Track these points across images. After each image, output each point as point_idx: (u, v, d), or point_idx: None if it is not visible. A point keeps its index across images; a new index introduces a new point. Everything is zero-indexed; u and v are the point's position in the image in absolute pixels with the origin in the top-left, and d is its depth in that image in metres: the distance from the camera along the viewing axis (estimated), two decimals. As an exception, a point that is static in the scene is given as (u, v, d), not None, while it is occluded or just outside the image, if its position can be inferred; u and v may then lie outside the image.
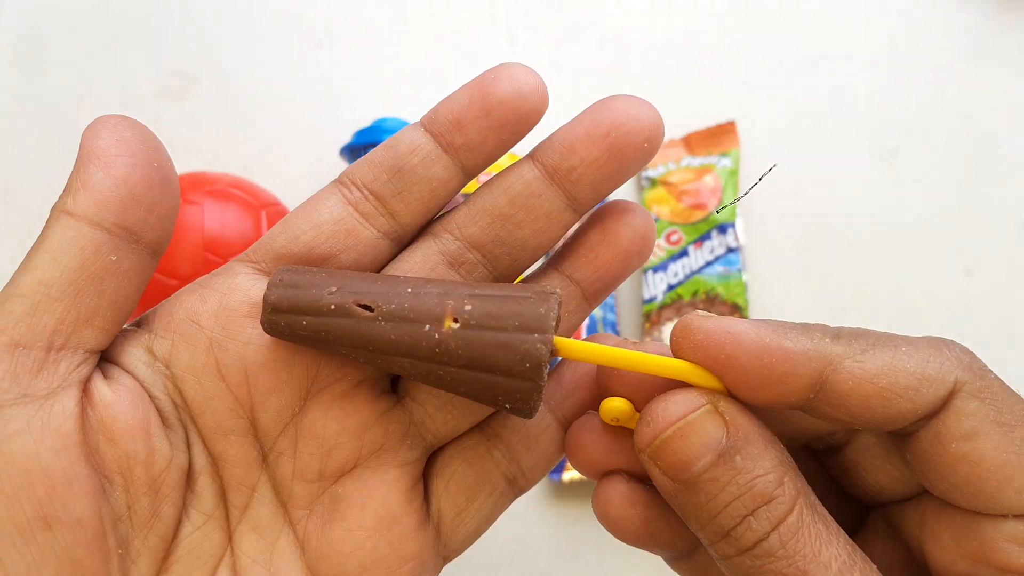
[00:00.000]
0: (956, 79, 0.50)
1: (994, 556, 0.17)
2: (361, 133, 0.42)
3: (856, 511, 0.21)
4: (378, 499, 0.20)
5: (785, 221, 0.46)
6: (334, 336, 0.18)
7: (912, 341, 0.18)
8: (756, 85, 0.49)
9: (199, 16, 0.50)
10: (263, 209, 0.37)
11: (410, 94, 0.48)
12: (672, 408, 0.18)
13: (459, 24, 0.50)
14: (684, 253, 0.42)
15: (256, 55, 0.49)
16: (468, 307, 0.18)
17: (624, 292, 0.44)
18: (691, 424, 0.18)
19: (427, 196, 0.20)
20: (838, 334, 0.18)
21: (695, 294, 0.40)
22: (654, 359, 0.18)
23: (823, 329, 0.18)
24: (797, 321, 0.18)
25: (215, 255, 0.34)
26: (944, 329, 0.46)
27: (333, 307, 0.18)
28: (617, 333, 0.41)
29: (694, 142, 0.46)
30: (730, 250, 0.41)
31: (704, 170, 0.44)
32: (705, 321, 0.18)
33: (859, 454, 0.20)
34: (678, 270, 0.41)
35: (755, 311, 0.44)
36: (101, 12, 0.50)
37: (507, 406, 0.18)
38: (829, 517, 0.18)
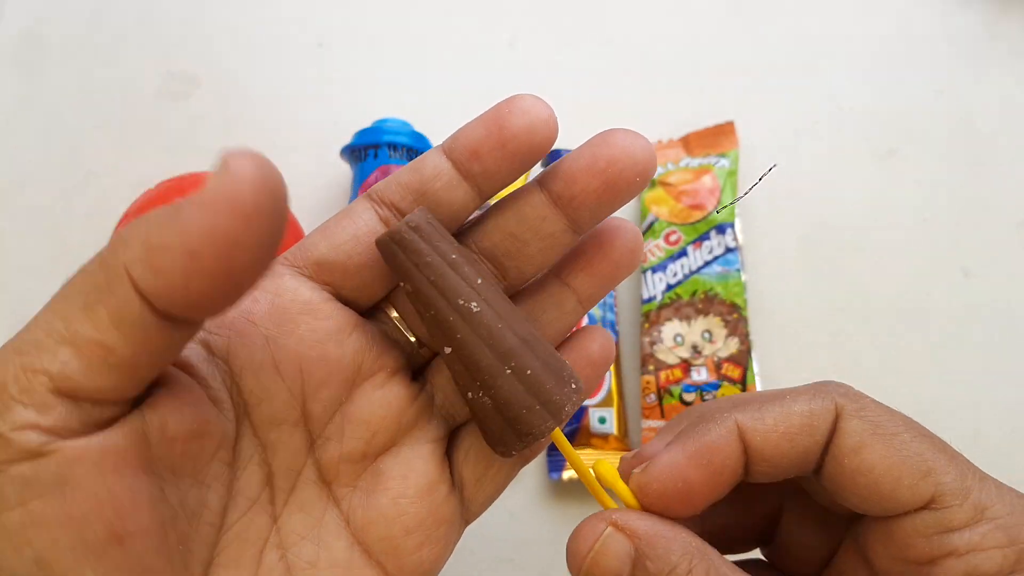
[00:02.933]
0: (954, 80, 0.50)
1: (910, 553, 0.20)
2: (361, 133, 0.42)
3: (837, 529, 0.24)
4: (417, 471, 0.22)
5: (783, 221, 0.46)
6: (438, 282, 0.21)
7: (796, 390, 0.21)
8: (754, 86, 0.50)
9: (200, 17, 0.50)
10: (264, 209, 0.37)
11: (410, 95, 0.49)
12: (582, 540, 0.21)
13: (460, 25, 0.51)
14: (683, 253, 0.42)
15: (257, 56, 0.49)
16: (528, 371, 0.21)
17: (623, 292, 0.44)
18: (600, 550, 0.21)
19: (448, 217, 0.22)
20: (734, 404, 0.21)
21: (694, 294, 0.41)
22: (598, 489, 0.23)
23: (719, 411, 0.21)
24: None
25: (216, 255, 0.34)
26: (942, 330, 0.46)
27: (454, 257, 0.21)
28: (616, 333, 0.42)
29: (692, 143, 0.47)
30: (729, 250, 0.41)
31: (703, 171, 0.44)
32: (637, 477, 0.21)
33: (808, 483, 0.23)
34: (677, 270, 0.41)
35: (753, 310, 0.44)
36: (102, 13, 0.50)
37: (488, 435, 0.22)
38: (738, 571, 0.20)
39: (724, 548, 0.21)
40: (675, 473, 0.21)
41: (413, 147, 0.41)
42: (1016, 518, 0.20)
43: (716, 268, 0.41)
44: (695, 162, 0.45)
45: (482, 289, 0.21)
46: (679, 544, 0.20)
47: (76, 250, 0.45)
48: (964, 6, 0.52)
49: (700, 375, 0.39)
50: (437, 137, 0.47)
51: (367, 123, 0.45)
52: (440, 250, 0.21)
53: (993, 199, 0.47)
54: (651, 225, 0.43)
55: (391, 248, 0.21)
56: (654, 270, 0.42)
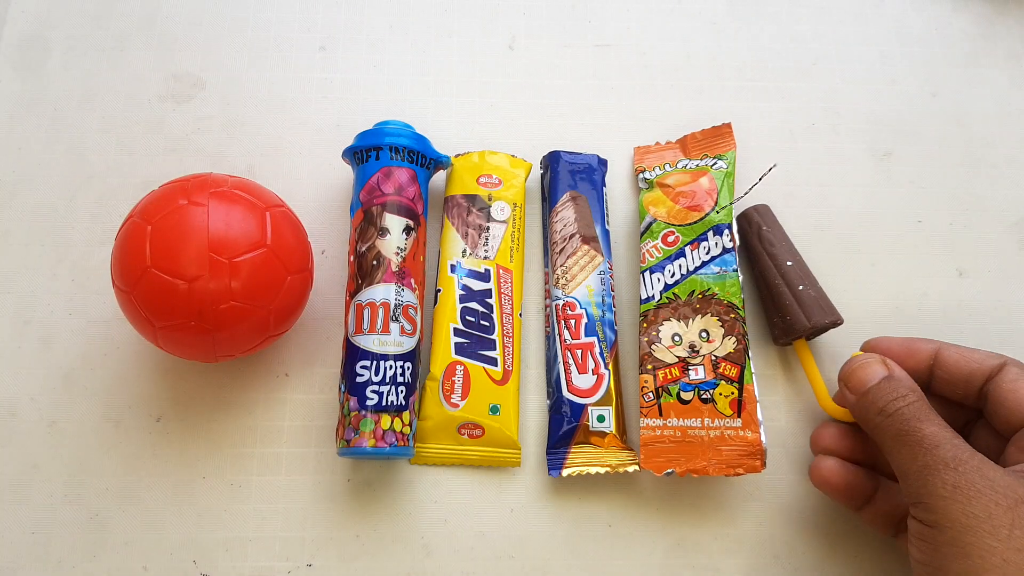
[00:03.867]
0: (949, 82, 0.51)
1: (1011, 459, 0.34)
2: (363, 135, 0.42)
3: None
4: None
5: (781, 222, 0.47)
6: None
7: (982, 351, 0.37)
8: (752, 88, 0.50)
9: (204, 20, 0.50)
10: (268, 210, 0.37)
11: (412, 97, 0.49)
12: (856, 361, 0.37)
13: (460, 28, 0.51)
14: (681, 254, 0.42)
15: (260, 59, 0.49)
16: (800, 287, 0.41)
17: (622, 292, 0.45)
18: (863, 365, 0.36)
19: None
20: (943, 344, 0.38)
21: (691, 294, 0.41)
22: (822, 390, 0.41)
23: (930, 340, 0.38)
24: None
25: (220, 256, 0.35)
26: (936, 329, 0.47)
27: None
28: (615, 332, 0.42)
29: (690, 144, 0.47)
30: (726, 250, 0.41)
31: (700, 172, 0.44)
32: (868, 342, 0.40)
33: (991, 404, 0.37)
34: (675, 270, 0.42)
35: (750, 309, 0.44)
36: (106, 15, 0.50)
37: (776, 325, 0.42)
38: (939, 418, 0.33)
39: None
40: (892, 347, 0.38)
41: (414, 149, 0.42)
42: None
43: (713, 268, 0.41)
44: (692, 164, 0.45)
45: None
46: (911, 383, 0.35)
47: (79, 251, 0.46)
48: (959, 9, 0.53)
49: (698, 374, 0.39)
50: (438, 139, 0.48)
51: (369, 125, 0.46)
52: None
53: (988, 200, 0.48)
54: (649, 226, 0.43)
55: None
56: (652, 270, 0.42)
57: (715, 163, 0.44)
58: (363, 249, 0.40)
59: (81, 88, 0.48)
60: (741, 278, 0.41)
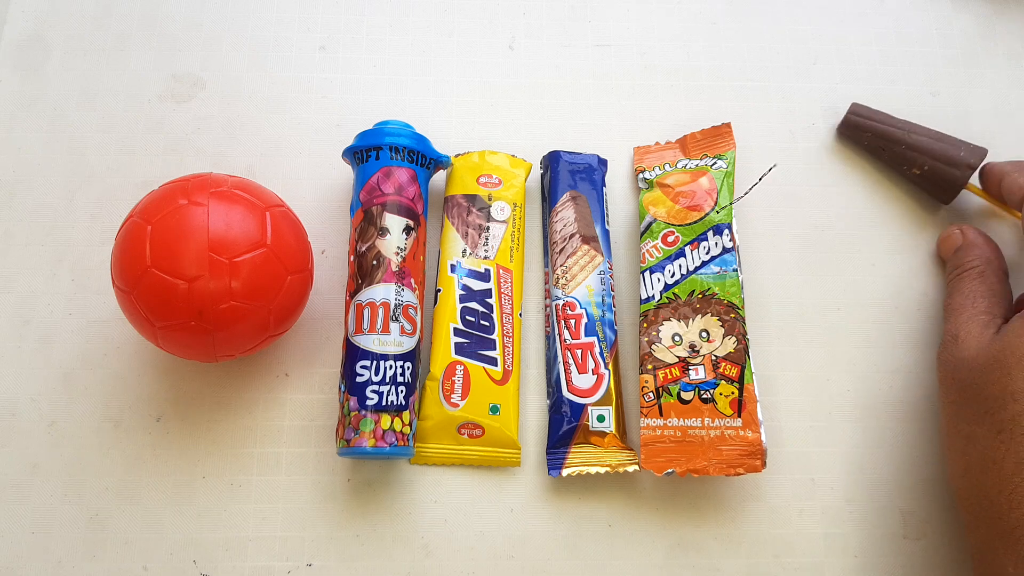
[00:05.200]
0: (949, 82, 0.51)
1: None
2: (363, 135, 0.42)
3: None
4: None
5: (780, 222, 0.47)
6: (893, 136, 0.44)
7: None
8: (751, 88, 0.50)
9: (204, 20, 0.50)
10: (268, 210, 0.37)
11: (411, 97, 0.49)
12: (945, 231, 0.45)
13: (460, 28, 0.51)
14: (681, 254, 0.42)
15: (260, 58, 0.49)
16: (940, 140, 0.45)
17: (622, 292, 0.45)
18: (948, 234, 0.45)
19: None
20: (1008, 164, 0.43)
21: (691, 293, 0.41)
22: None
23: (1005, 163, 0.44)
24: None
25: (220, 256, 0.35)
26: (937, 328, 0.46)
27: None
28: (615, 332, 0.42)
29: (690, 144, 0.47)
30: (726, 250, 0.41)
31: (700, 172, 0.44)
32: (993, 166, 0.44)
33: None
34: (675, 270, 0.42)
35: (750, 309, 0.44)
36: (106, 16, 0.50)
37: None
38: (990, 276, 0.40)
39: None
40: (984, 172, 0.44)
41: (414, 149, 0.42)
42: None
43: (713, 268, 0.41)
44: (692, 163, 0.45)
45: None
46: (981, 251, 0.41)
47: (79, 251, 0.46)
48: (959, 8, 0.53)
49: (698, 374, 0.39)
50: (438, 139, 0.48)
51: (368, 125, 0.46)
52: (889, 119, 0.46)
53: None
54: (649, 226, 0.43)
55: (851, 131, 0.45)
56: (652, 270, 0.42)
57: (715, 163, 0.44)
58: (363, 249, 0.40)
59: (81, 88, 0.48)
60: (742, 277, 0.41)
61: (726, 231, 0.42)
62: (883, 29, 0.52)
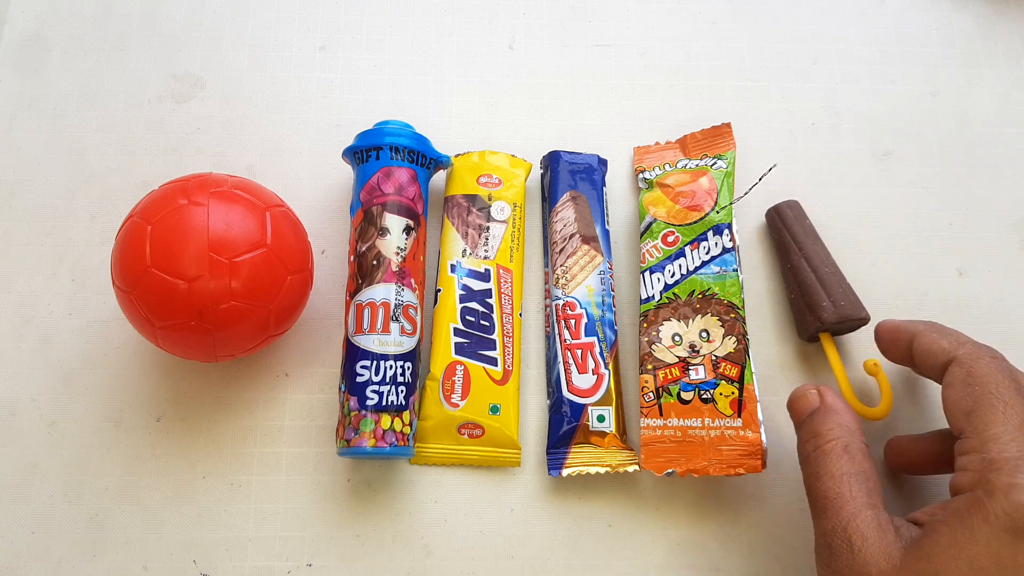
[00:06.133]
0: (950, 82, 0.51)
1: (956, 478, 0.30)
2: (363, 135, 0.42)
3: None
4: None
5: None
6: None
7: (953, 333, 0.34)
8: (751, 88, 0.50)
9: (204, 20, 0.50)
10: (268, 210, 0.37)
11: (411, 97, 0.49)
12: (801, 391, 0.37)
13: (460, 28, 0.51)
14: (681, 254, 0.42)
15: (260, 58, 0.49)
16: (830, 282, 0.42)
17: (622, 292, 0.45)
18: (803, 395, 0.36)
19: None
20: (922, 325, 0.36)
21: (691, 293, 0.41)
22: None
23: (920, 322, 0.36)
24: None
25: (220, 256, 0.35)
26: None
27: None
28: (615, 332, 0.42)
29: (690, 144, 0.47)
30: (726, 250, 0.41)
31: (700, 172, 0.44)
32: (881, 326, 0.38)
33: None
34: (675, 270, 0.42)
35: (750, 308, 0.44)
36: (106, 16, 0.50)
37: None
38: (855, 453, 0.33)
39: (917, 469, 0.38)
40: (882, 332, 0.37)
41: (414, 149, 0.42)
42: (995, 460, 0.29)
43: (713, 268, 0.41)
44: (692, 163, 0.45)
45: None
46: (841, 419, 0.34)
47: (79, 251, 0.46)
48: (959, 8, 0.53)
49: (698, 374, 0.39)
50: (438, 139, 0.48)
51: (369, 125, 0.46)
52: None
53: (988, 200, 0.48)
54: (649, 226, 0.43)
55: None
56: (652, 271, 0.42)
57: (715, 163, 0.44)
58: (363, 249, 0.40)
59: (81, 88, 0.48)
60: (742, 278, 0.41)
61: (726, 231, 0.42)
62: (883, 29, 0.52)
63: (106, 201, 0.46)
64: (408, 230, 0.40)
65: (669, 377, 0.40)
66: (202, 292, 0.34)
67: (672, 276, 0.42)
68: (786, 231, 0.44)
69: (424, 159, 0.42)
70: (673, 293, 0.41)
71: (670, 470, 0.38)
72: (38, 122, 0.48)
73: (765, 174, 0.43)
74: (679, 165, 0.45)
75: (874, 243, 0.46)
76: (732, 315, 0.40)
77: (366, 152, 0.41)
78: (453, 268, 0.43)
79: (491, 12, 0.51)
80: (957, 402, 0.31)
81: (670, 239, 0.42)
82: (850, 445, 0.33)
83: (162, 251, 0.35)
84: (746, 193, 0.44)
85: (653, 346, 0.41)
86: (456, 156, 0.46)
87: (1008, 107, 0.50)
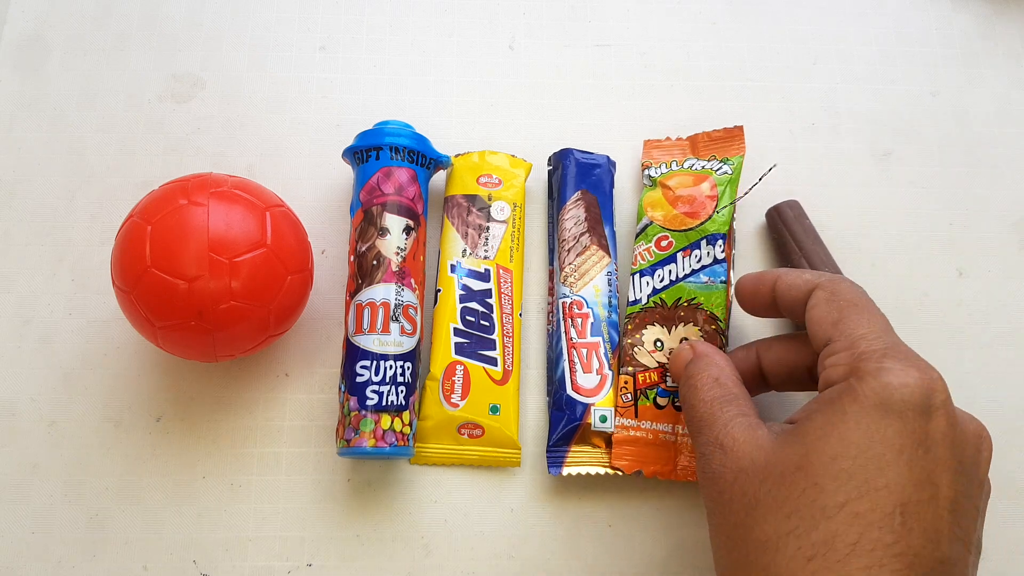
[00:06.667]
0: (950, 82, 0.51)
1: (826, 374, 0.31)
2: (363, 135, 0.42)
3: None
4: None
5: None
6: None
7: (814, 272, 0.35)
8: (752, 88, 0.50)
9: (204, 20, 0.50)
10: (268, 210, 0.37)
11: (411, 97, 0.49)
12: (677, 348, 0.38)
13: (460, 28, 0.51)
14: (672, 259, 0.42)
15: (260, 58, 0.49)
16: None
17: (623, 293, 0.45)
18: (679, 350, 0.38)
19: None
20: (782, 270, 0.36)
21: (677, 300, 0.41)
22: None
23: (778, 270, 0.36)
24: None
25: (220, 256, 0.35)
26: (936, 329, 0.47)
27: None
28: (619, 334, 0.42)
29: (700, 143, 0.46)
30: (717, 261, 0.41)
31: (703, 176, 0.44)
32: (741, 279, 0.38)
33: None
34: (664, 275, 0.42)
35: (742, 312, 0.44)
36: (106, 15, 0.50)
37: None
38: (726, 381, 0.34)
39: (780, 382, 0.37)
40: (746, 280, 0.37)
41: (414, 149, 0.42)
42: (864, 353, 0.30)
43: (702, 278, 0.41)
44: (699, 164, 0.45)
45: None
46: (712, 360, 0.36)
47: (79, 251, 0.46)
48: (959, 8, 0.53)
49: (674, 381, 0.40)
50: (438, 139, 0.48)
51: (369, 125, 0.46)
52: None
53: (988, 200, 0.48)
54: (645, 229, 0.43)
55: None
56: (642, 273, 0.42)
57: (720, 167, 0.44)
58: (363, 249, 0.40)
59: (81, 88, 0.48)
60: (730, 292, 0.41)
61: (720, 242, 0.41)
62: (883, 29, 0.52)
63: (106, 201, 0.46)
64: (408, 230, 0.40)
65: (648, 381, 0.40)
66: (202, 292, 0.34)
67: (661, 281, 0.42)
68: (786, 231, 0.44)
69: (424, 159, 0.42)
70: (660, 298, 0.41)
71: (638, 470, 0.39)
72: (38, 122, 0.48)
73: (765, 174, 0.43)
74: (687, 164, 0.45)
75: (874, 243, 0.46)
76: (713, 327, 0.40)
77: (366, 152, 0.41)
78: (453, 268, 0.43)
79: (491, 12, 0.51)
80: (823, 317, 0.32)
81: (664, 243, 0.42)
82: (720, 377, 0.34)
83: (162, 251, 0.35)
84: (746, 193, 0.44)
85: (635, 349, 0.41)
86: (456, 156, 0.46)
87: (1008, 107, 0.50)
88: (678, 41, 0.51)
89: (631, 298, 0.42)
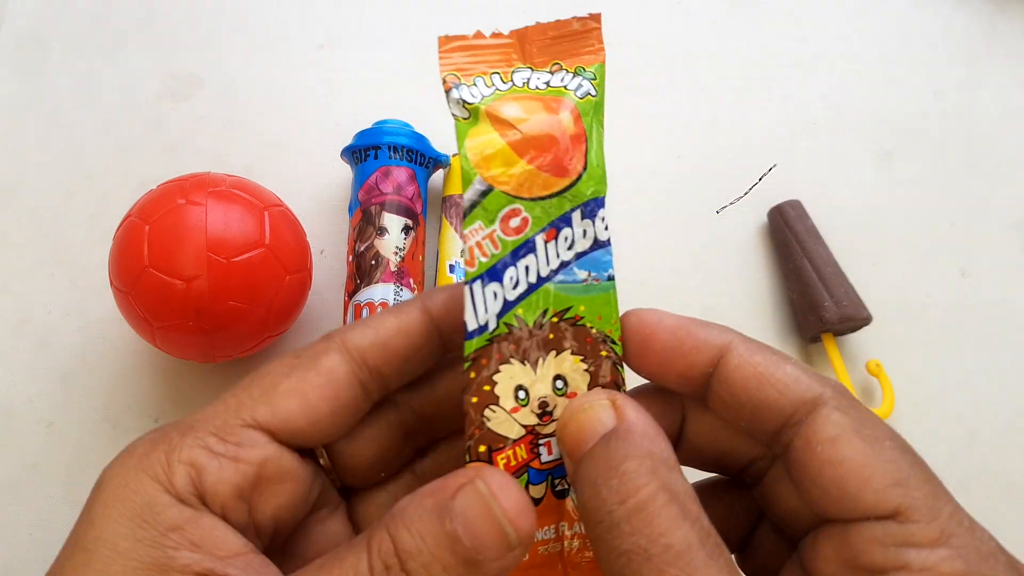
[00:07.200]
0: (952, 81, 0.50)
1: (863, 559, 0.19)
2: (362, 134, 0.42)
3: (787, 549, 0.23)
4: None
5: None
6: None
7: (801, 364, 0.22)
8: (752, 87, 0.50)
9: (202, 18, 0.50)
10: (266, 210, 0.37)
11: (410, 96, 0.49)
12: (581, 398, 0.22)
13: (460, 27, 0.51)
14: (529, 247, 0.23)
15: (259, 57, 0.49)
16: (834, 283, 0.42)
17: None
18: (591, 409, 0.21)
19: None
20: (740, 336, 0.22)
21: (544, 314, 0.23)
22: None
23: (731, 329, 0.22)
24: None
25: (218, 256, 0.35)
26: (939, 329, 0.46)
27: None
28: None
29: (533, 42, 0.28)
30: (598, 244, 0.24)
31: (554, 98, 0.25)
32: (640, 312, 0.23)
33: (773, 482, 0.23)
34: (518, 276, 0.23)
35: (752, 309, 0.44)
36: (104, 14, 0.50)
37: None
38: (691, 505, 0.19)
39: None
40: (660, 329, 0.23)
41: (413, 148, 0.41)
42: (979, 552, 0.19)
43: (578, 274, 0.24)
44: (538, 78, 0.27)
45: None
46: (656, 467, 0.19)
47: (78, 251, 0.46)
48: (961, 7, 0.53)
49: (550, 452, 0.23)
50: (437, 138, 0.48)
51: (368, 124, 0.46)
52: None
53: (990, 199, 0.48)
54: (477, 202, 0.24)
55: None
56: (484, 278, 0.23)
57: (577, 82, 0.27)
58: (362, 249, 0.40)
59: (80, 88, 0.48)
60: (618, 291, 0.24)
61: (600, 212, 0.24)
62: (884, 28, 0.52)
63: (104, 201, 0.46)
64: (407, 230, 0.40)
65: (513, 463, 0.23)
66: (200, 292, 0.34)
67: (515, 286, 0.23)
68: (788, 231, 0.44)
69: (423, 158, 0.42)
70: (515, 316, 0.23)
71: None
72: (37, 122, 0.48)
73: (765, 174, 0.43)
74: (518, 79, 0.26)
75: (876, 243, 0.46)
76: (604, 352, 0.23)
77: (365, 151, 0.41)
78: (452, 268, 0.43)
79: (491, 12, 0.51)
80: (870, 466, 0.19)
81: (514, 222, 0.24)
82: (676, 490, 0.19)
83: (160, 251, 0.35)
84: (746, 193, 0.44)
85: (485, 412, 0.22)
86: (455, 155, 0.45)
87: (1010, 106, 0.50)
88: (677, 41, 0.51)
89: (469, 327, 0.22)
